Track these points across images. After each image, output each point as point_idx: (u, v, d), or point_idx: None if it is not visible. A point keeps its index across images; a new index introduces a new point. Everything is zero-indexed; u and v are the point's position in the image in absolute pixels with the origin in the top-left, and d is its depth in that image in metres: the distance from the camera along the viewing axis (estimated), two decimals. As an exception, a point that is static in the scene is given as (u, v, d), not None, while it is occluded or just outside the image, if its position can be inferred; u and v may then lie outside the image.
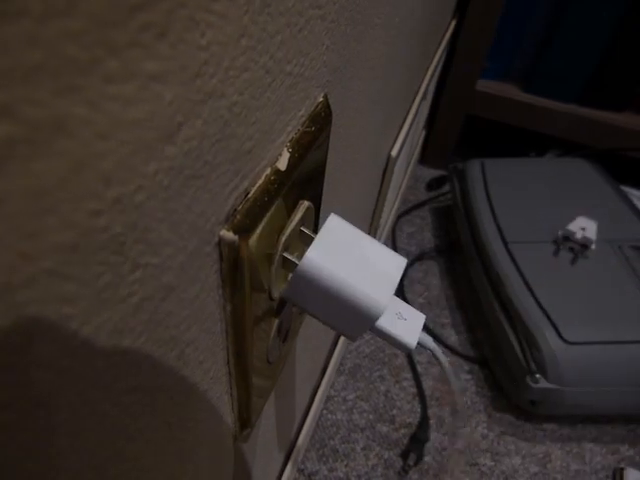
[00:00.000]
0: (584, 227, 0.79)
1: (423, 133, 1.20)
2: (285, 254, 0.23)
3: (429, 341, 0.22)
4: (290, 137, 0.22)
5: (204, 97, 0.14)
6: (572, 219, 0.80)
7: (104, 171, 0.11)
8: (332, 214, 0.22)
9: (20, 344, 0.10)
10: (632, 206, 0.89)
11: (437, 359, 0.22)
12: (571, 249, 0.79)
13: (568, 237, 0.79)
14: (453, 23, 1.03)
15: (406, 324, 0.21)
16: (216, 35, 0.14)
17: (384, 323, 0.21)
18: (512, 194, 0.92)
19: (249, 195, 0.19)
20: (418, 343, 0.22)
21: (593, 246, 0.78)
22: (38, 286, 0.10)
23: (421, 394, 0.79)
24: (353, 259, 0.20)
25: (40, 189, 0.10)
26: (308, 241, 0.23)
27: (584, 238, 0.78)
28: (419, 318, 0.22)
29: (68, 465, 0.14)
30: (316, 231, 0.28)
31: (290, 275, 0.25)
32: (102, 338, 0.13)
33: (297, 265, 0.20)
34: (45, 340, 0.11)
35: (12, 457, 0.12)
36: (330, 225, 0.21)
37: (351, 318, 0.20)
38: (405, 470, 0.70)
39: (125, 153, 0.11)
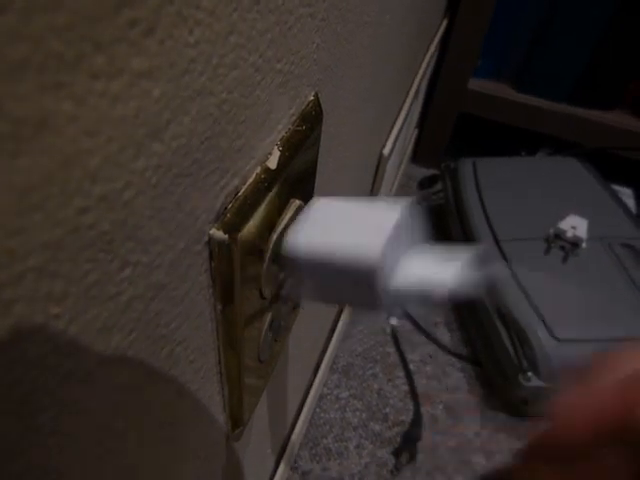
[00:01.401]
0: (575, 225, 0.79)
1: (415, 132, 1.20)
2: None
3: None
4: (281, 136, 0.22)
5: (192, 94, 0.14)
6: (563, 217, 0.81)
7: (91, 168, 0.11)
8: (315, 197, 0.21)
9: (6, 342, 0.10)
10: (622, 204, 0.89)
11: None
12: (562, 247, 0.80)
13: (559, 235, 0.80)
14: (445, 22, 1.03)
15: (443, 267, 0.18)
16: (204, 32, 0.14)
17: (401, 276, 0.18)
18: (503, 193, 0.92)
19: (239, 194, 0.19)
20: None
21: (584, 244, 0.78)
22: (25, 284, 0.10)
23: (414, 392, 0.79)
24: (337, 226, 0.19)
25: (26, 186, 0.09)
26: None
27: (575, 236, 0.78)
28: (463, 254, 0.18)
29: (55, 464, 0.14)
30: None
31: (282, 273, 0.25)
32: (90, 336, 0.13)
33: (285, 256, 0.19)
34: (32, 338, 0.11)
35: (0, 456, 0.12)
36: (312, 206, 0.20)
37: (356, 282, 0.18)
38: (398, 468, 0.70)
39: (112, 150, 0.11)
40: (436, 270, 0.18)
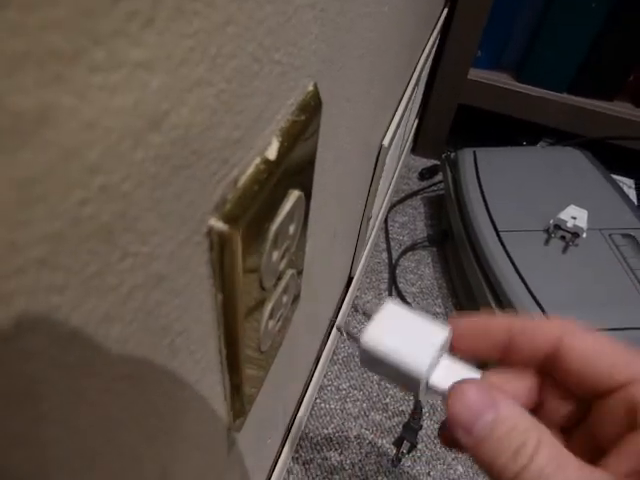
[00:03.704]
0: (575, 216, 0.79)
1: (415, 122, 1.20)
2: (341, 328, 0.25)
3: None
4: (280, 126, 0.22)
5: (191, 85, 0.14)
6: (563, 208, 0.81)
7: (91, 160, 0.11)
8: (389, 299, 0.26)
9: (8, 333, 0.10)
10: (623, 194, 0.89)
11: None
12: (562, 237, 0.80)
13: (559, 226, 0.80)
14: (445, 12, 1.03)
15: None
16: (202, 22, 0.14)
17: (435, 381, 0.24)
18: (504, 183, 0.92)
19: (239, 184, 0.19)
20: None
21: (584, 234, 0.78)
22: (27, 275, 0.10)
23: (414, 382, 0.79)
24: (400, 335, 0.25)
25: (27, 178, 0.10)
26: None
27: (575, 227, 0.78)
28: (476, 374, 0.24)
29: (58, 453, 0.14)
30: (306, 221, 0.29)
31: (290, 272, 0.29)
32: (91, 327, 0.13)
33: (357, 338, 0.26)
34: (33, 329, 0.11)
35: (1, 446, 0.12)
36: (385, 308, 0.26)
37: (406, 381, 0.25)
38: (398, 458, 0.71)
39: (111, 142, 0.11)
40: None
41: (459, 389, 0.21)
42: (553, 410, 0.25)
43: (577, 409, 0.24)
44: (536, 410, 0.25)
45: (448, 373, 0.24)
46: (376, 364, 0.25)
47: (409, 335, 0.25)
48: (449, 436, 0.25)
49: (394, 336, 0.25)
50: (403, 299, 0.93)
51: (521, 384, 0.25)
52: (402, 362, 0.24)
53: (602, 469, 0.19)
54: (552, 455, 0.19)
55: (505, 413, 0.20)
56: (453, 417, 0.21)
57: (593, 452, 0.21)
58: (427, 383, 0.25)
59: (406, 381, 0.25)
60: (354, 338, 0.26)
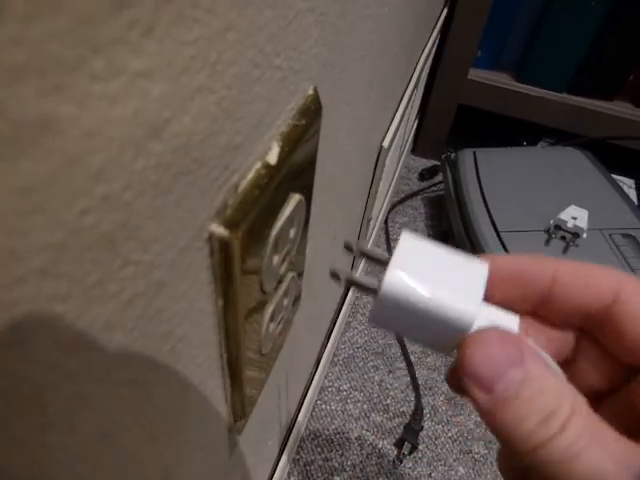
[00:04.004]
0: (575, 216, 0.79)
1: (415, 123, 1.19)
2: (333, 269, 0.22)
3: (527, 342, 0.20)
4: (280, 131, 0.22)
5: (191, 93, 0.14)
6: (563, 208, 0.81)
7: (92, 169, 0.11)
8: (404, 230, 0.21)
9: (12, 341, 0.10)
10: (623, 194, 0.89)
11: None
12: (563, 238, 0.80)
13: (560, 226, 0.80)
14: (444, 12, 1.03)
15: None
16: (203, 30, 0.14)
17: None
18: (504, 183, 0.92)
19: (239, 189, 0.19)
20: None
21: (584, 235, 0.78)
22: (29, 284, 0.10)
23: (415, 383, 0.80)
24: (435, 273, 0.20)
25: (28, 188, 0.10)
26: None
27: (575, 227, 0.78)
28: (514, 321, 0.20)
29: (62, 457, 0.14)
30: (306, 224, 0.29)
31: (290, 274, 0.25)
32: (94, 334, 0.13)
33: (378, 290, 0.20)
34: (37, 337, 0.11)
35: (5, 450, 0.12)
36: (404, 242, 0.21)
37: (442, 333, 0.20)
38: (399, 459, 0.71)
39: (113, 151, 0.11)
40: None
41: (481, 337, 0.18)
42: (587, 374, 0.21)
43: (616, 376, 0.21)
44: (565, 371, 0.20)
45: (490, 321, 0.20)
46: (400, 316, 0.20)
47: (445, 274, 0.20)
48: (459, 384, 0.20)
49: (428, 277, 0.20)
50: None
51: (555, 339, 0.22)
52: (445, 309, 0.19)
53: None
54: (587, 426, 0.16)
55: (536, 372, 0.17)
56: (470, 370, 0.17)
57: (630, 425, 0.18)
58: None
59: (442, 335, 0.20)
60: (365, 286, 0.21)
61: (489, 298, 0.21)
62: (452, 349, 0.20)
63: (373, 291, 0.20)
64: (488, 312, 0.20)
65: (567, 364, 0.21)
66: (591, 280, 0.20)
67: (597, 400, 0.21)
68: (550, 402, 0.16)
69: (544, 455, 0.16)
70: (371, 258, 0.22)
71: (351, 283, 0.21)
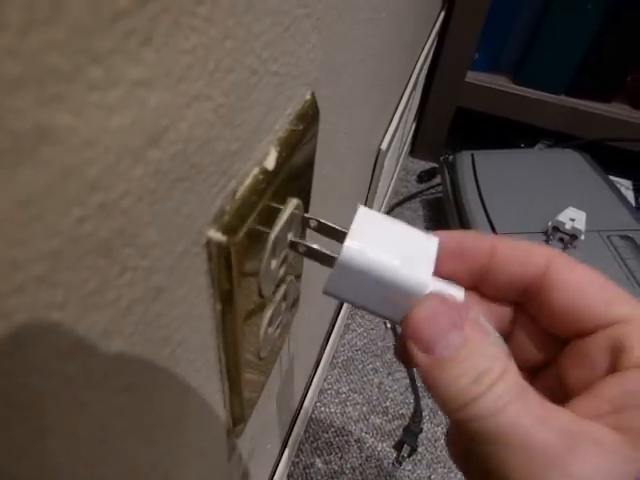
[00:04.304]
0: (573, 218, 0.79)
1: (413, 125, 1.20)
2: (295, 239, 0.23)
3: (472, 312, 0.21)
4: (277, 136, 0.22)
5: (189, 100, 0.14)
6: (561, 210, 0.81)
7: (89, 178, 0.11)
8: (360, 205, 0.22)
9: (10, 349, 0.10)
10: (620, 196, 0.90)
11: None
12: (561, 239, 0.80)
13: (558, 228, 0.80)
14: (442, 15, 1.03)
15: None
16: (200, 38, 0.14)
17: None
18: (502, 185, 0.92)
19: (237, 195, 0.19)
20: None
21: (582, 236, 0.78)
22: (27, 293, 0.10)
23: (414, 386, 0.80)
24: (389, 244, 0.21)
25: (26, 197, 0.10)
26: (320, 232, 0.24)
27: (573, 229, 0.78)
28: (459, 292, 0.22)
29: (61, 463, 0.14)
30: (303, 227, 0.29)
31: (289, 278, 0.26)
32: (92, 340, 0.13)
33: (334, 256, 0.21)
34: (35, 344, 0.11)
35: (3, 457, 0.12)
36: (361, 215, 0.22)
37: (395, 302, 0.21)
38: (399, 461, 0.71)
39: (110, 159, 0.11)
40: None
41: (424, 301, 0.19)
42: (524, 348, 0.23)
43: (548, 350, 0.22)
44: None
45: (440, 292, 0.21)
46: (356, 284, 0.21)
47: (399, 246, 0.21)
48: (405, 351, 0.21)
49: (383, 247, 0.21)
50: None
51: (495, 312, 0.23)
52: (399, 278, 0.20)
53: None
54: (512, 385, 0.17)
55: (473, 335, 0.18)
56: (413, 331, 0.19)
57: (557, 396, 0.20)
58: None
59: (395, 303, 0.21)
60: (324, 254, 0.22)
61: (437, 272, 0.21)
62: (402, 318, 0.21)
63: (330, 259, 0.21)
64: (438, 285, 0.21)
65: (506, 339, 0.22)
66: (525, 256, 0.21)
67: (535, 374, 0.23)
68: (483, 363, 0.18)
69: (472, 410, 0.17)
70: (329, 232, 0.23)
71: (310, 251, 0.23)
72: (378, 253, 0.20)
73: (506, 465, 0.16)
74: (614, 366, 0.18)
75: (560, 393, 0.20)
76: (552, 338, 0.22)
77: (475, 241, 0.22)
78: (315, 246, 0.23)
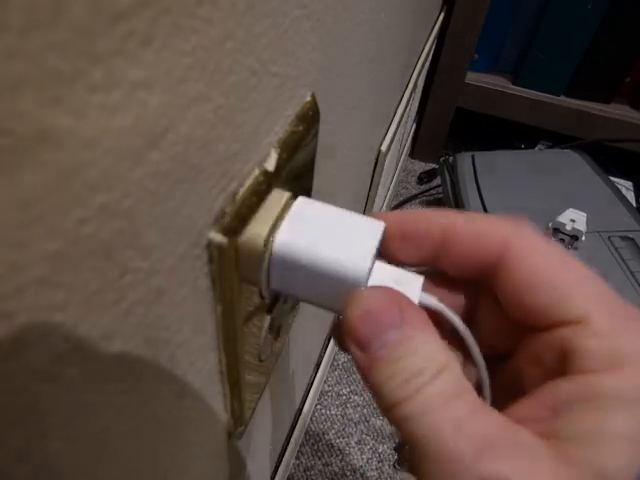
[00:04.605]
0: (574, 219, 0.79)
1: (413, 126, 1.20)
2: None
3: (432, 301, 0.20)
4: (278, 137, 0.22)
5: (189, 101, 0.14)
6: (562, 211, 0.81)
7: (90, 179, 0.11)
8: (300, 197, 0.21)
9: (9, 352, 0.10)
10: (621, 197, 0.89)
11: (446, 317, 0.20)
12: (562, 240, 0.80)
13: (558, 229, 0.80)
14: (441, 16, 1.03)
15: (403, 288, 0.20)
16: (201, 39, 0.14)
17: None
18: (502, 186, 0.92)
19: (237, 196, 0.19)
20: (420, 303, 0.20)
21: (583, 237, 0.78)
22: (27, 295, 0.10)
23: (415, 387, 0.79)
24: (325, 234, 0.20)
25: (27, 199, 0.10)
26: None
27: (574, 230, 0.78)
28: (417, 280, 0.21)
29: (60, 467, 0.14)
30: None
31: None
32: (93, 342, 0.13)
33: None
34: (35, 346, 0.11)
35: (3, 459, 0.12)
36: (298, 207, 0.21)
37: (339, 293, 0.20)
38: (399, 463, 0.71)
39: (111, 160, 0.11)
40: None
41: (362, 296, 0.18)
42: (488, 334, 0.21)
43: (513, 339, 0.20)
44: (471, 331, 0.20)
45: (386, 279, 0.20)
46: (295, 277, 0.20)
47: (338, 232, 0.20)
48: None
49: (319, 237, 0.20)
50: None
51: (455, 292, 0.22)
52: (336, 267, 0.19)
53: (503, 412, 0.17)
54: (447, 388, 0.16)
55: (409, 333, 0.17)
56: (349, 328, 0.18)
57: (513, 391, 0.19)
58: None
59: (336, 294, 0.20)
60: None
61: (389, 256, 0.21)
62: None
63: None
64: (390, 272, 0.20)
65: (471, 322, 0.21)
66: (481, 238, 0.19)
67: (501, 362, 0.21)
68: (417, 364, 0.17)
69: (399, 411, 0.16)
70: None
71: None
72: (310, 244, 0.19)
73: (421, 471, 0.16)
74: (562, 369, 0.17)
75: (518, 389, 0.19)
76: (517, 326, 0.20)
77: (424, 218, 0.20)
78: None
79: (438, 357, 0.17)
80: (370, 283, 0.20)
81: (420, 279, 0.21)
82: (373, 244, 0.20)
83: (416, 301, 0.20)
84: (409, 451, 0.16)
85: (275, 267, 0.20)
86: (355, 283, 0.19)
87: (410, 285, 0.20)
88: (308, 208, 0.21)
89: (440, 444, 0.15)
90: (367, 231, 0.20)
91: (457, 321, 0.20)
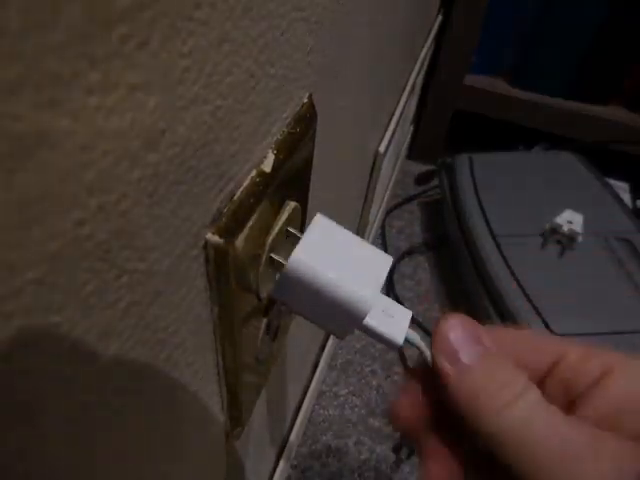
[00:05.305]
0: (571, 220, 0.79)
1: (411, 128, 1.20)
2: (272, 255, 0.23)
3: (416, 338, 0.22)
4: (275, 139, 0.23)
5: (187, 103, 0.14)
6: (559, 212, 0.81)
7: (87, 181, 0.11)
8: (318, 214, 0.22)
9: (7, 352, 0.10)
10: (618, 198, 0.90)
11: (424, 356, 0.22)
12: (558, 242, 0.80)
13: (555, 230, 0.80)
14: (439, 18, 1.03)
15: (393, 321, 0.21)
16: (198, 42, 0.14)
17: (371, 321, 0.21)
18: (500, 188, 0.93)
19: (234, 197, 0.19)
20: (405, 340, 0.21)
21: (580, 239, 0.78)
22: (25, 296, 0.10)
23: (412, 388, 0.79)
24: (339, 258, 0.21)
25: (24, 201, 0.10)
26: (295, 241, 0.23)
27: (571, 231, 0.78)
28: (406, 315, 0.22)
29: (57, 466, 0.14)
30: (303, 231, 0.29)
31: (278, 275, 0.26)
32: (89, 343, 0.13)
33: (284, 265, 0.20)
34: (33, 347, 0.11)
35: (3, 460, 0.12)
36: (316, 225, 0.21)
37: (338, 317, 0.21)
38: (397, 464, 0.71)
39: (108, 162, 0.12)
40: (389, 328, 0.21)
41: (446, 320, 0.20)
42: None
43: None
44: None
45: (383, 312, 0.21)
46: (301, 294, 0.21)
47: (350, 261, 0.21)
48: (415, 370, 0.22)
49: (333, 261, 0.20)
50: (401, 304, 0.93)
51: None
52: (344, 294, 0.20)
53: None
54: (539, 398, 0.17)
55: (493, 350, 0.19)
56: (440, 345, 0.19)
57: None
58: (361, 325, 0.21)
59: (338, 318, 0.21)
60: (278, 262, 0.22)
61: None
62: (346, 333, 0.22)
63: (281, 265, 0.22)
64: (385, 303, 0.22)
65: None
66: (584, 365, 0.19)
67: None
68: (508, 374, 0.18)
69: (503, 420, 0.17)
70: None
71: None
72: (325, 267, 0.20)
73: (541, 471, 0.16)
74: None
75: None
76: None
77: (540, 343, 0.21)
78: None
79: (521, 372, 0.18)
80: (371, 314, 0.21)
81: (408, 315, 0.22)
82: (381, 280, 0.21)
83: (403, 335, 0.21)
84: (503, 457, 0.17)
85: (283, 279, 0.21)
86: (359, 312, 0.20)
87: (400, 318, 0.22)
88: (326, 229, 0.22)
89: (565, 445, 0.16)
90: (377, 265, 0.21)
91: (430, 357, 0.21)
